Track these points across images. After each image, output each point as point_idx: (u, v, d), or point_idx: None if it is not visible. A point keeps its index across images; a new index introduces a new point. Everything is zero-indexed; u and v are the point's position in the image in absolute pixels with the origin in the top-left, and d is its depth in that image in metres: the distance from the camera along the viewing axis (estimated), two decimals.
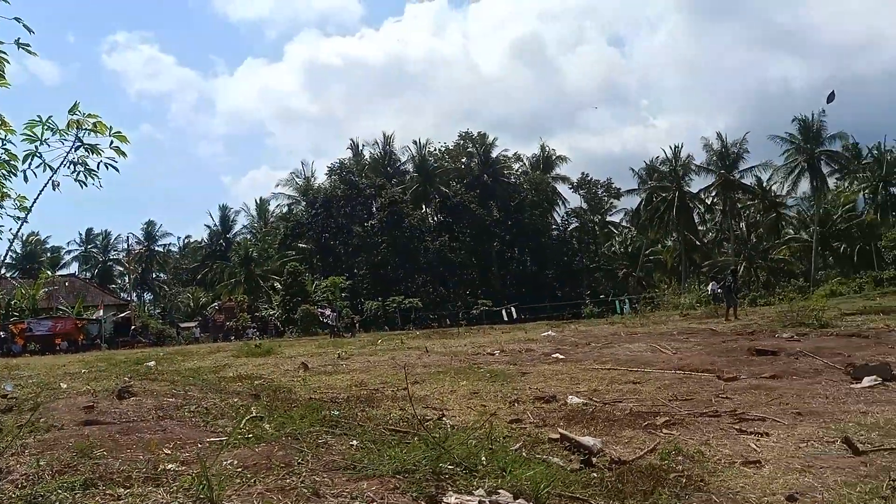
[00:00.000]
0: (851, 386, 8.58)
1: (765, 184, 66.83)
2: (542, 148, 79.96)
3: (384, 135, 76.83)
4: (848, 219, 60.99)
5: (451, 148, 77.03)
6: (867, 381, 8.62)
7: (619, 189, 79.77)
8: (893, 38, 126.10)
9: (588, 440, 5.94)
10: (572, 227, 77.55)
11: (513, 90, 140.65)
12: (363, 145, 77.76)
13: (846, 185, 66.68)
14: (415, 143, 75.00)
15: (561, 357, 14.02)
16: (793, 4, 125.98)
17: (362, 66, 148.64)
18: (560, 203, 77.52)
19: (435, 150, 76.45)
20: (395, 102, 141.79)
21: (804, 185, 63.25)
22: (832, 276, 58.73)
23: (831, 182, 65.66)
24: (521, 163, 79.66)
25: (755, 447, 5.80)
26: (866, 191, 63.63)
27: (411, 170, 75.54)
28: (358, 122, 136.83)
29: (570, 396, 8.65)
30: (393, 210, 64.06)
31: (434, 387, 10.30)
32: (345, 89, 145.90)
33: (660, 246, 74.17)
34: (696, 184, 69.43)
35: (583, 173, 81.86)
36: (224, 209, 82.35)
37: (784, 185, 64.73)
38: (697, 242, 70.36)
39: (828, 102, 42.90)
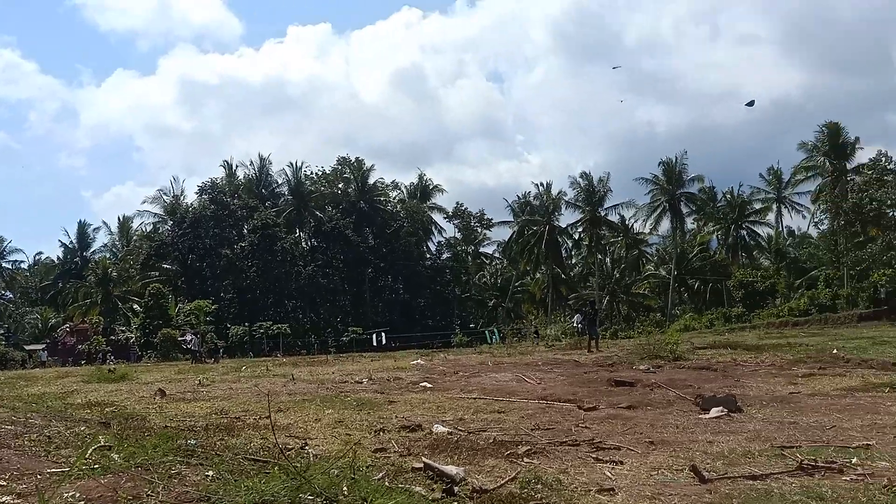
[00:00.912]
0: (700, 416, 9.07)
1: (628, 221, 70.97)
2: (420, 177, 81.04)
3: (260, 156, 75.16)
4: (702, 258, 65.53)
5: (328, 172, 76.33)
6: (714, 411, 9.14)
7: (492, 220, 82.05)
8: (749, 91, 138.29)
9: (451, 469, 5.88)
10: (445, 256, 78.61)
11: (393, 119, 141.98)
12: (237, 165, 75.67)
13: (702, 225, 71.73)
14: (291, 165, 73.69)
15: (429, 386, 13.99)
16: (660, 54, 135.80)
17: (240, 85, 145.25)
18: (435, 232, 78.59)
19: (312, 173, 75.55)
20: (273, 124, 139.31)
21: (665, 225, 68.07)
22: (686, 311, 62.73)
23: (689, 222, 70.92)
24: (398, 191, 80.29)
25: (610, 475, 5.94)
26: (719, 232, 68.85)
27: (286, 193, 74.05)
28: (233, 142, 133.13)
29: (436, 425, 8.60)
30: (265, 233, 62.38)
31: (298, 415, 9.96)
32: (221, 107, 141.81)
33: (529, 278, 76.54)
34: (566, 219, 72.65)
35: (458, 203, 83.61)
36: (82, 225, 77.43)
37: (647, 224, 69.30)
38: (564, 276, 73.19)
39: (747, 105, 46.02)
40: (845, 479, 5.61)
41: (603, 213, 69.90)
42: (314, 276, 62.97)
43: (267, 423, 8.36)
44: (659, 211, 67.44)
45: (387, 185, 77.84)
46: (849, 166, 57.14)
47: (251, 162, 75.04)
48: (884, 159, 50.91)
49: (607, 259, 74.26)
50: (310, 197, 72.66)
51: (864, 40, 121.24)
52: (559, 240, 73.27)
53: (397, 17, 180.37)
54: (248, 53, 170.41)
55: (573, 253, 78.04)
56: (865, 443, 6.94)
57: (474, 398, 11.65)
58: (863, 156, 56.11)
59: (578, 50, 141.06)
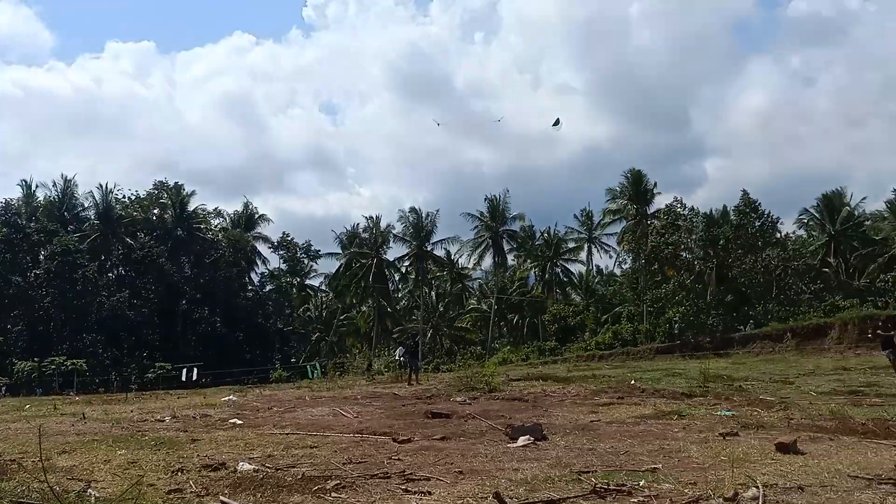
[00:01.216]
0: (509, 445, 9.28)
1: (454, 256, 73.07)
2: (246, 206, 78.19)
3: (64, 176, 68.86)
4: (521, 293, 68.63)
5: (142, 197, 71.54)
6: (522, 440, 9.40)
7: (319, 251, 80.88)
8: (567, 137, 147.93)
9: None
10: (268, 288, 76.19)
11: (219, 144, 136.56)
12: (38, 186, 68.89)
13: (521, 262, 75.31)
14: (100, 188, 68.09)
15: (239, 422, 13.27)
16: (486, 97, 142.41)
17: (47, 100, 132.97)
18: (259, 263, 76.04)
19: (124, 197, 70.43)
20: (83, 144, 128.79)
21: (488, 260, 71.01)
22: (505, 344, 65.21)
23: (510, 259, 74.39)
24: (221, 219, 76.90)
25: None
26: (537, 269, 72.62)
27: (93, 217, 68.35)
28: (35, 161, 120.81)
29: (242, 463, 8.10)
30: (64, 260, 56.98)
31: (85, 456, 9.04)
32: (23, 123, 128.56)
33: (355, 311, 76.12)
34: (394, 252, 73.40)
35: (284, 233, 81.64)
36: None
37: (471, 259, 71.96)
38: (390, 309, 73.58)
39: (553, 126, 48.12)
40: (633, 501, 5.93)
41: (430, 248, 71.44)
42: (119, 308, 58.31)
43: (49, 465, 7.53)
44: (483, 247, 70.45)
45: (208, 213, 74.29)
46: (649, 211, 62.82)
47: (54, 183, 68.70)
48: (679, 206, 56.43)
49: (433, 293, 75.71)
50: (120, 222, 67.56)
51: (665, 99, 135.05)
52: (386, 273, 73.77)
53: (228, 41, 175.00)
54: (58, 67, 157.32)
55: (400, 286, 78.80)
56: (653, 466, 7.40)
57: (287, 434, 11.20)
58: (661, 201, 61.93)
59: (411, 88, 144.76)
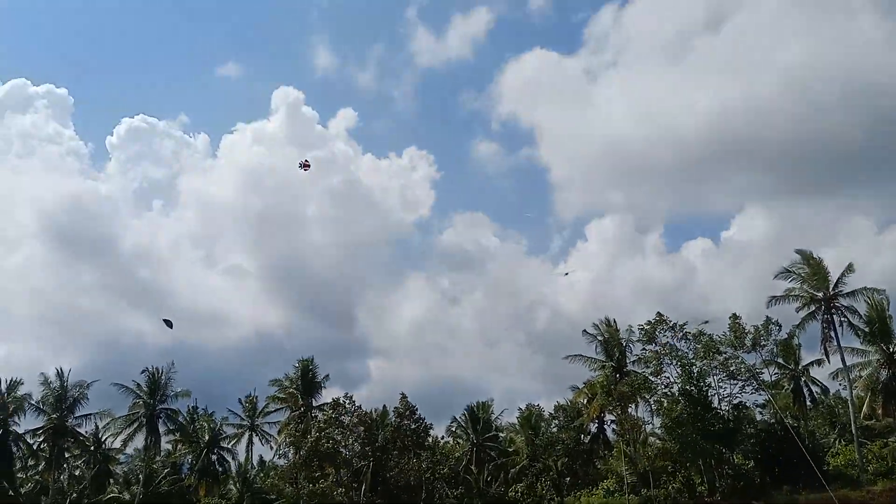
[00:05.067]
0: None
1: (101, 434, 65.06)
2: None
3: None
4: (172, 481, 63.11)
5: None
6: None
7: None
8: (236, 320, 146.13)
9: None
10: None
11: None
12: None
13: (177, 446, 69.60)
14: None
15: None
16: (156, 267, 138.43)
17: None
18: None
19: None
20: None
21: (140, 440, 63.88)
22: None
23: (165, 441, 67.62)
24: None
25: None
26: (192, 455, 67.26)
27: None
28: None
29: None
30: None
31: None
32: None
33: None
34: (28, 423, 63.38)
35: None
36: None
37: (120, 438, 63.97)
38: (12, 492, 62.28)
39: (167, 324, 45.68)
40: None
41: (72, 423, 63.32)
42: None
43: None
44: (136, 425, 63.64)
45: None
46: (315, 402, 64.11)
47: None
48: (347, 402, 58.53)
49: (65, 475, 66.16)
50: None
51: (335, 295, 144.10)
52: (13, 448, 63.14)
53: None
54: None
55: (29, 464, 67.50)
56: None
57: None
58: (328, 395, 63.80)
59: (68, 242, 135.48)
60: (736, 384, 50.53)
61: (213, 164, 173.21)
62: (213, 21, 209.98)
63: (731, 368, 50.11)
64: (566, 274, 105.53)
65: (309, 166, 51.50)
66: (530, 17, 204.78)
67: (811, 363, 60.60)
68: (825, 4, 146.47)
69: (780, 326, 51.56)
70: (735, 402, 50.82)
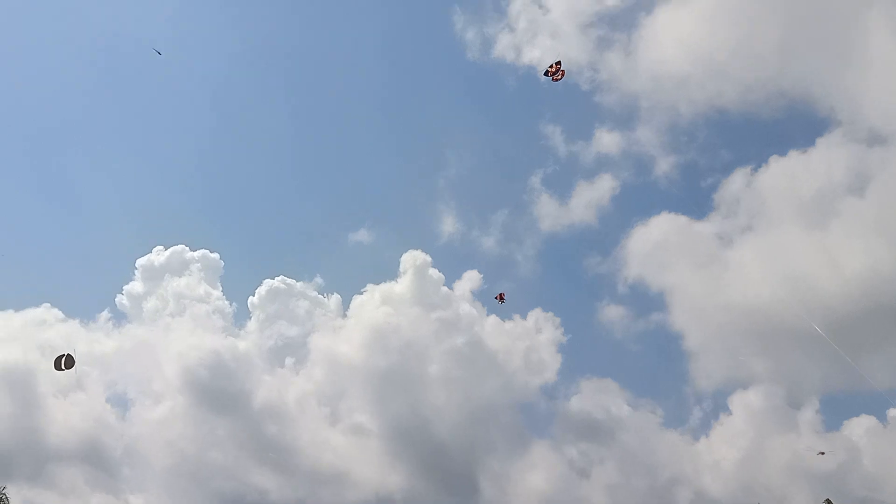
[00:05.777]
0: None
1: None
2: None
3: None
4: None
5: None
6: None
7: None
8: (356, 479, 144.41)
9: None
10: None
11: None
12: None
13: None
14: None
15: None
16: (283, 423, 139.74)
17: None
18: None
19: None
20: None
21: None
22: None
23: None
24: None
25: None
26: None
27: None
28: None
29: None
30: None
31: None
32: None
33: None
34: None
35: None
36: None
37: None
38: None
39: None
40: None
41: None
42: None
43: None
44: None
45: None
46: None
47: None
48: None
49: None
50: None
51: (456, 459, 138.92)
52: None
53: (34, 311, 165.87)
54: None
55: None
56: None
57: None
58: None
59: (207, 396, 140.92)
60: None
61: (342, 324, 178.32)
62: (348, 192, 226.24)
63: None
64: (822, 453, 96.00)
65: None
66: (656, 183, 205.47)
67: None
68: None
69: None
70: None
